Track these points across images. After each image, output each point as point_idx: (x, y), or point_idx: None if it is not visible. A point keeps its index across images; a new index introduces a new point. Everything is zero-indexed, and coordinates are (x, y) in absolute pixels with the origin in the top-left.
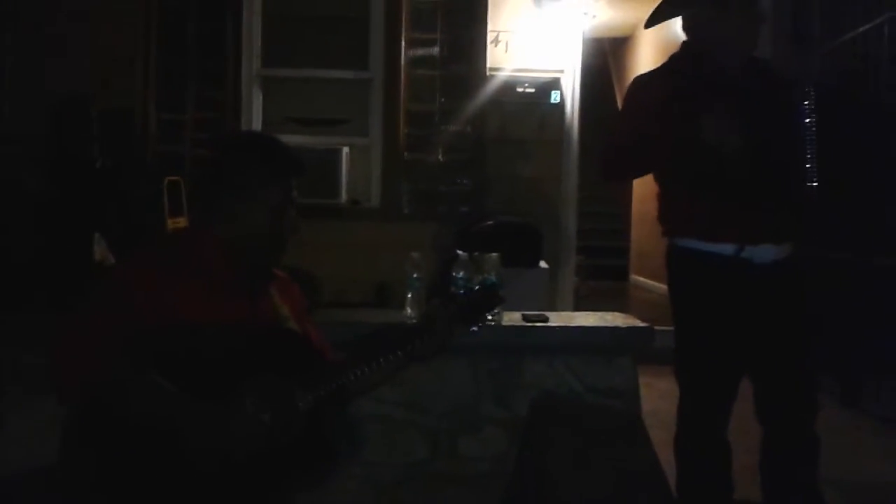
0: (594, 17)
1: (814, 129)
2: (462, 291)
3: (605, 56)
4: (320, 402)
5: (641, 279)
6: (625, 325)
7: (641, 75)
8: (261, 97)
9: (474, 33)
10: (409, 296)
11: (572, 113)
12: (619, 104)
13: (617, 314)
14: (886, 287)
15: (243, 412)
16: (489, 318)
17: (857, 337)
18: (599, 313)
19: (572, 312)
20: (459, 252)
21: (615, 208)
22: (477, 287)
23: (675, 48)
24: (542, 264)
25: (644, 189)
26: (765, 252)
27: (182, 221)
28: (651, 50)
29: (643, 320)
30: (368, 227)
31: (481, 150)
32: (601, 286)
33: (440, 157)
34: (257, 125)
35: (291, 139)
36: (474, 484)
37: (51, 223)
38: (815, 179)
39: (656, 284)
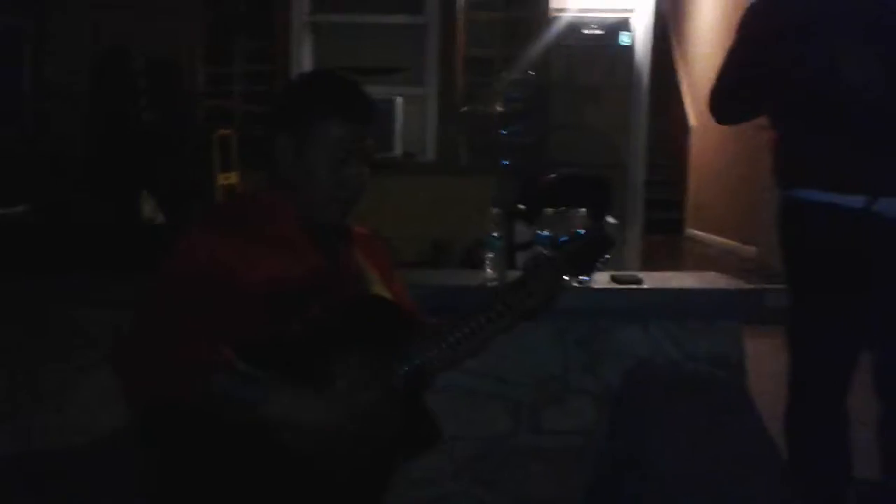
0: None
1: None
2: (565, 238)
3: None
4: (418, 373)
5: (699, 233)
6: (730, 287)
7: (760, 1)
8: (310, 45)
9: None
10: (491, 256)
11: (643, 56)
12: (675, 52)
13: (714, 274)
14: None
15: (339, 396)
16: (600, 264)
17: None
18: (696, 273)
19: (667, 273)
20: (521, 206)
21: (669, 159)
22: (584, 231)
23: None
24: (611, 220)
25: (702, 138)
26: None
27: (233, 177)
28: None
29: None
30: (424, 181)
31: (544, 99)
32: (656, 241)
33: (500, 106)
34: None
35: None
36: (559, 459)
37: (97, 180)
38: None
39: (715, 238)
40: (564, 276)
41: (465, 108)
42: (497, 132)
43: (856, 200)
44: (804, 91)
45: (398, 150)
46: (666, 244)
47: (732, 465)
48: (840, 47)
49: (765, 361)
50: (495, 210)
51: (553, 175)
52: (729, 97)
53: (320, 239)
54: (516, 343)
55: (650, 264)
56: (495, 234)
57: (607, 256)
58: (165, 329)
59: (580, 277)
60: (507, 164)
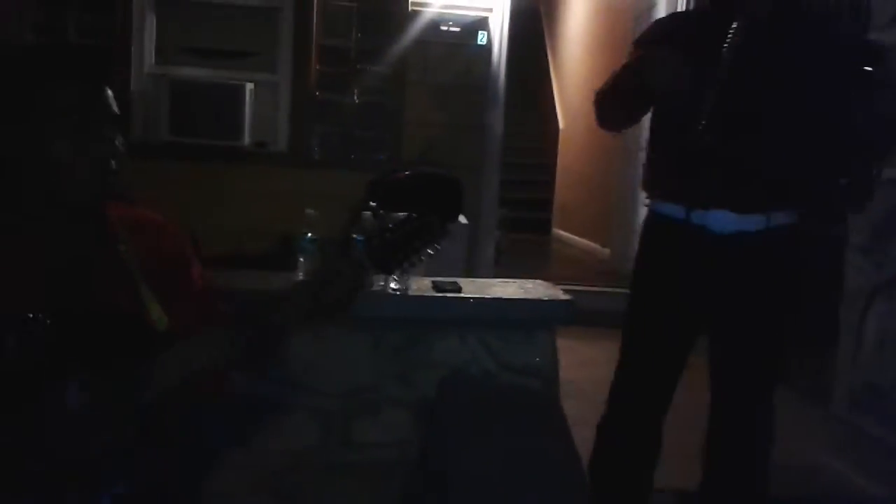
0: None
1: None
2: (391, 225)
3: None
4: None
5: (564, 233)
6: (546, 298)
7: (662, 17)
8: (154, 23)
9: None
10: (302, 260)
11: (499, 56)
12: (549, 54)
13: (538, 282)
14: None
15: None
16: (423, 255)
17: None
18: (519, 281)
19: (489, 280)
20: (372, 204)
21: (539, 159)
22: (406, 218)
23: None
24: (462, 219)
25: (570, 140)
26: (722, 220)
27: None
28: None
29: (564, 277)
30: (274, 172)
31: (400, 93)
32: (522, 239)
33: (355, 98)
34: (149, 55)
35: (188, 72)
36: (371, 473)
37: None
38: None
39: (580, 240)
40: (375, 268)
41: (317, 94)
42: (353, 125)
43: (677, 211)
44: (642, 102)
45: (247, 138)
46: (531, 244)
47: (537, 476)
48: (646, 57)
49: (585, 366)
50: (310, 211)
51: (406, 172)
52: (602, 103)
53: (51, 237)
54: (326, 349)
55: (506, 265)
56: (308, 236)
57: (435, 248)
58: None
59: (399, 271)
60: (380, 159)
